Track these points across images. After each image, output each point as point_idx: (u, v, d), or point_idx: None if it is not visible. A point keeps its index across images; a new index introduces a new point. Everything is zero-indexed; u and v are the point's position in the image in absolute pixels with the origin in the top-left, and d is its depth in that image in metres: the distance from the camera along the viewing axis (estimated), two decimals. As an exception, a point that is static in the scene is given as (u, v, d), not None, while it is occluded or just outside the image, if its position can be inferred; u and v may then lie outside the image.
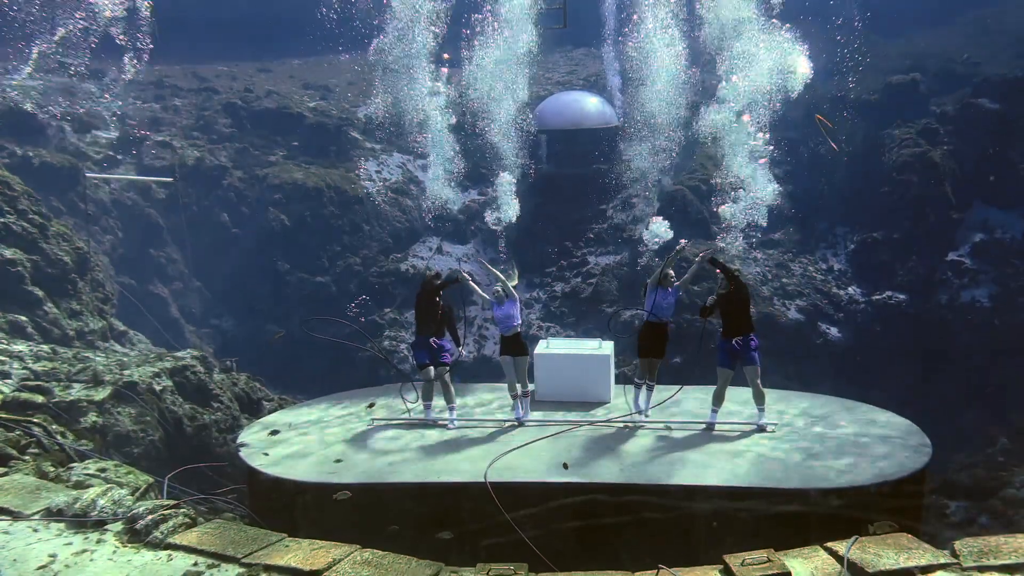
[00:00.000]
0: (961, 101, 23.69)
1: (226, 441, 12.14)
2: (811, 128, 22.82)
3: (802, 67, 11.86)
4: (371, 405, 10.80)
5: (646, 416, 9.83)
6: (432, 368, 9.96)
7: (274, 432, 9.73)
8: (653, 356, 9.87)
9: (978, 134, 22.59)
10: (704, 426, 9.48)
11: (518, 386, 9.93)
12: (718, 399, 9.48)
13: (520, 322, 10.01)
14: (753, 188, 11.67)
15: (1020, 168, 21.57)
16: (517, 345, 9.92)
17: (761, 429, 9.24)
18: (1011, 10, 26.72)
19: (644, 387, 9.96)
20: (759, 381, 9.38)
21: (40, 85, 22.92)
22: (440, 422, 9.88)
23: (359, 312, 16.13)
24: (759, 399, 9.38)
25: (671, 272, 9.75)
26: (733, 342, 9.30)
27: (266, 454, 8.82)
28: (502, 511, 7.43)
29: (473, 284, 10.35)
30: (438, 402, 10.12)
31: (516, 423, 9.83)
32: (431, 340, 10.01)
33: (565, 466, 7.96)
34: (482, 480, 7.83)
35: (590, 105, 24.81)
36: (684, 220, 19.79)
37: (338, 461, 8.58)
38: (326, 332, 14.04)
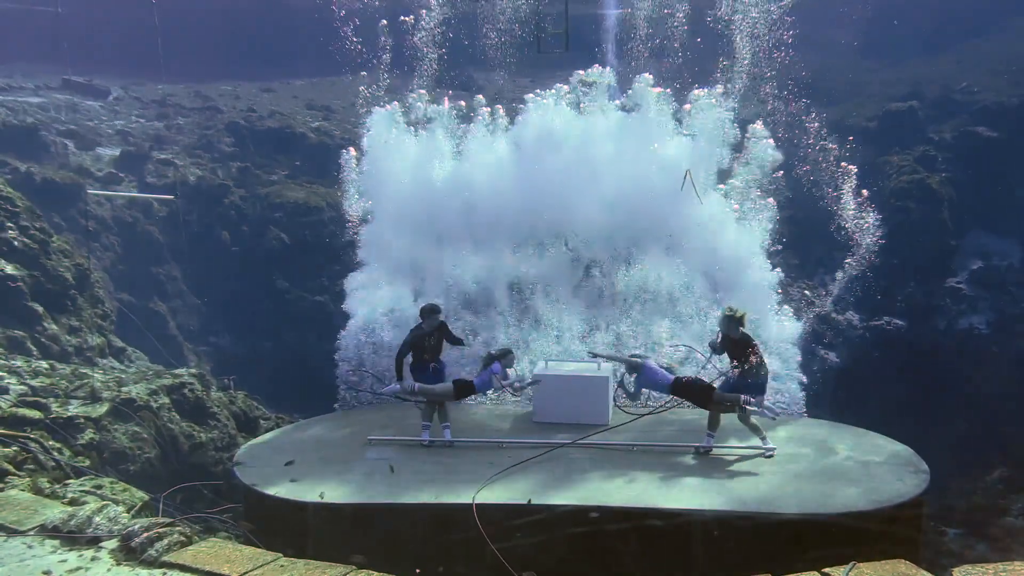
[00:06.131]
0: (959, 128, 23.90)
1: (222, 460, 12.10)
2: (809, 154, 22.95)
3: None
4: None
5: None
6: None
7: (289, 463, 9.56)
8: None
9: (976, 161, 22.78)
10: (701, 450, 9.33)
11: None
12: (714, 425, 9.40)
13: None
14: None
15: (1017, 195, 21.73)
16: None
17: (769, 455, 9.07)
18: (1008, 39, 27.03)
19: None
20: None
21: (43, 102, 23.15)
22: (437, 444, 9.86)
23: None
24: (755, 430, 9.26)
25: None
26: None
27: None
28: (487, 540, 7.41)
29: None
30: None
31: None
32: (431, 365, 10.03)
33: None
34: (470, 502, 7.81)
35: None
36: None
37: (321, 496, 8.33)
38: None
